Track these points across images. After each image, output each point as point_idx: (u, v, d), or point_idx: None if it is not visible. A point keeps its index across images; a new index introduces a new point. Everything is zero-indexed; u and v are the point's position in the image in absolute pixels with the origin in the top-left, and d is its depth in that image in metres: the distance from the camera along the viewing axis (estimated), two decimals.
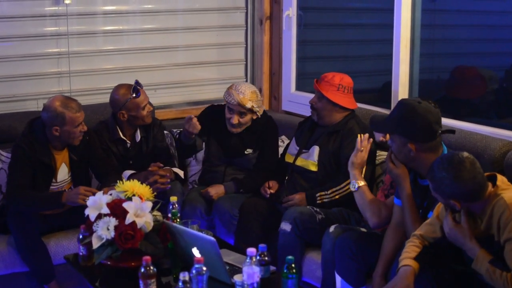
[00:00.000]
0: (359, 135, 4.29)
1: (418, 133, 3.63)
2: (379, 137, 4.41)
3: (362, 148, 4.22)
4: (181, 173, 5.08)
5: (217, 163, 5.24)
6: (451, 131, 3.85)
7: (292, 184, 4.84)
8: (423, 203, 3.74)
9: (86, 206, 3.86)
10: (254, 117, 5.12)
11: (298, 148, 4.88)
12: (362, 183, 4.14)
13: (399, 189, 3.82)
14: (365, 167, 4.41)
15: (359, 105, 5.04)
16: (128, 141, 5.04)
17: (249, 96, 5.02)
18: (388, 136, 4.09)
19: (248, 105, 5.01)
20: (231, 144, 5.17)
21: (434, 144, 3.65)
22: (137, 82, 4.93)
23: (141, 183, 3.97)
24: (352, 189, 4.16)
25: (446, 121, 4.66)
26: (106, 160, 4.90)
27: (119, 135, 5.00)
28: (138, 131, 5.05)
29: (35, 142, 4.61)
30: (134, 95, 4.88)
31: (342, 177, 4.58)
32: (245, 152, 5.18)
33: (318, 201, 4.61)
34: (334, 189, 4.60)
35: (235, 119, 5.06)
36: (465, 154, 3.28)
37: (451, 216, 3.34)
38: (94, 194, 4.27)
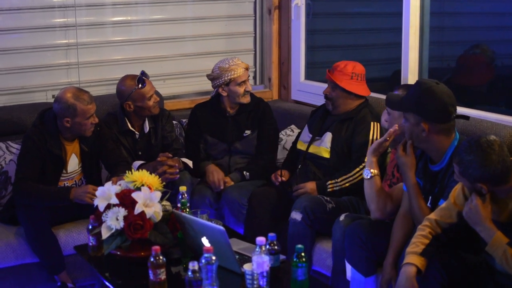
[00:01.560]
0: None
1: (432, 113, 3.61)
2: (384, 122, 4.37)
3: (388, 138, 4.17)
4: (190, 163, 5.07)
5: (219, 155, 5.24)
6: (466, 117, 3.83)
7: (304, 171, 4.84)
8: (434, 189, 3.73)
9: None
10: None
11: (311, 135, 4.88)
12: (375, 172, 4.10)
13: (403, 178, 3.81)
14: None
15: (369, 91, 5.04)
16: (136, 132, 5.04)
17: (241, 61, 5.20)
18: (397, 127, 4.08)
19: (249, 68, 5.19)
20: (229, 128, 5.20)
21: (448, 127, 3.64)
22: (142, 73, 4.93)
23: (150, 174, 3.97)
24: (365, 176, 4.10)
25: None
26: (116, 151, 4.90)
27: (127, 127, 5.00)
28: (147, 122, 5.05)
29: (45, 133, 4.61)
30: (139, 85, 4.88)
31: (353, 165, 4.59)
32: (244, 134, 5.20)
33: (328, 190, 4.61)
34: (344, 177, 4.61)
35: (249, 86, 5.16)
36: (492, 137, 3.25)
37: (477, 196, 3.29)
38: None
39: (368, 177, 4.08)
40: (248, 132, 5.19)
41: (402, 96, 3.81)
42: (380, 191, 4.06)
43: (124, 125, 5.00)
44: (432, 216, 3.53)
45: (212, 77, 5.18)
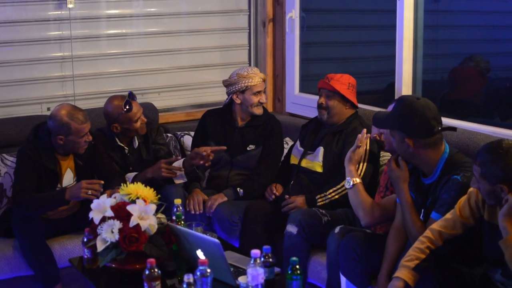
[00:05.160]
0: (364, 130, 4.34)
1: (415, 129, 3.64)
2: (373, 133, 4.40)
3: (360, 144, 4.25)
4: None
5: (220, 166, 5.23)
6: (452, 128, 3.85)
7: (298, 185, 4.84)
8: (426, 202, 3.74)
9: (90, 208, 3.86)
10: None
11: (302, 149, 4.89)
12: (357, 180, 4.16)
13: (396, 191, 3.82)
14: (365, 165, 4.49)
15: (364, 106, 5.06)
16: (126, 147, 5.04)
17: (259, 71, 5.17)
18: (365, 131, 4.24)
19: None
20: (233, 140, 5.16)
21: (433, 141, 3.66)
22: (130, 95, 4.89)
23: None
24: (347, 186, 4.18)
25: (449, 121, 4.67)
26: (111, 165, 4.90)
27: (116, 143, 5.00)
28: (136, 138, 5.04)
29: (40, 148, 4.61)
30: (126, 108, 4.86)
31: (340, 177, 4.56)
32: (248, 149, 5.14)
33: (318, 203, 4.61)
34: (333, 189, 4.61)
35: (263, 98, 5.15)
36: None
37: None
38: (96, 188, 4.32)
39: (350, 186, 4.16)
40: (252, 147, 5.15)
41: (387, 114, 3.83)
42: (365, 198, 4.11)
43: (113, 142, 5.00)
44: (435, 226, 3.52)
45: (228, 83, 5.16)
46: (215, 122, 5.25)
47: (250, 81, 5.07)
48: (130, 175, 4.93)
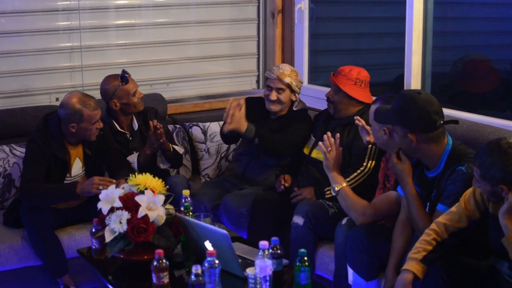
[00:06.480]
0: (325, 136, 4.31)
1: (416, 124, 3.63)
2: (365, 138, 4.38)
3: (329, 149, 4.23)
4: (181, 150, 5.06)
5: (241, 153, 5.23)
6: (454, 121, 3.83)
7: (306, 176, 4.84)
8: (431, 195, 3.74)
9: (98, 198, 3.86)
10: (293, 98, 5.10)
11: (314, 139, 4.89)
12: (343, 184, 4.18)
13: (401, 185, 3.81)
14: (373, 162, 4.51)
15: (373, 98, 5.04)
16: (127, 132, 5.05)
17: (289, 72, 5.04)
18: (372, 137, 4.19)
19: (287, 80, 5.02)
20: (263, 129, 5.04)
21: (436, 135, 3.65)
22: (124, 71, 4.93)
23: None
24: (333, 193, 4.20)
25: (458, 114, 4.66)
26: (119, 155, 4.91)
27: (116, 128, 5.02)
28: (135, 120, 5.06)
29: (50, 137, 4.61)
30: (123, 83, 4.89)
31: (351, 169, 4.57)
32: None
33: (327, 195, 4.61)
34: None
35: (273, 95, 5.03)
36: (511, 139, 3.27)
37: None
38: (108, 185, 4.30)
39: (335, 194, 4.19)
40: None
41: (388, 110, 3.82)
42: (354, 200, 4.12)
43: (113, 128, 5.01)
44: (441, 219, 3.52)
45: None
46: (251, 109, 5.04)
47: (268, 73, 5.08)
48: (132, 158, 4.93)
